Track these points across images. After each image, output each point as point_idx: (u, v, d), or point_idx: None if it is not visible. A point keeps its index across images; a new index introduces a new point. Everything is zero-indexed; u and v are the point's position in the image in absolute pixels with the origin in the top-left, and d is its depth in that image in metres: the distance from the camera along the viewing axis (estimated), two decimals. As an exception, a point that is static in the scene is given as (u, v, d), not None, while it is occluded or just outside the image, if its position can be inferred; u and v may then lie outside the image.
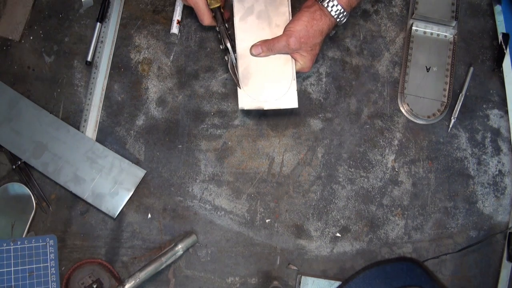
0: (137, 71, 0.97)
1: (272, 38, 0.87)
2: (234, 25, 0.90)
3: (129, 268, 0.89)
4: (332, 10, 0.83)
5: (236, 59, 0.88)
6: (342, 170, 0.95)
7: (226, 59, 0.89)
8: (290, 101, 0.88)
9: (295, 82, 0.88)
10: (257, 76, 0.89)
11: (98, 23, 0.97)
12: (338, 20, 0.85)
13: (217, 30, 0.89)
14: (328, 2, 0.83)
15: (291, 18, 0.88)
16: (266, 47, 0.87)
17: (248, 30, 0.89)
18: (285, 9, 0.90)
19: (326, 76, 0.98)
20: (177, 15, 0.98)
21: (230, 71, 0.89)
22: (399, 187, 0.95)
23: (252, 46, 0.88)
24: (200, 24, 0.98)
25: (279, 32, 0.87)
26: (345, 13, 0.84)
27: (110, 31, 0.97)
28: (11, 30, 0.97)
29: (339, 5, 0.83)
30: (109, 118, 0.95)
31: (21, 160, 0.91)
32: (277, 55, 0.88)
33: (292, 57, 0.88)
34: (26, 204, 0.89)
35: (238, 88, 0.88)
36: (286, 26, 0.86)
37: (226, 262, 0.91)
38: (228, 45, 0.88)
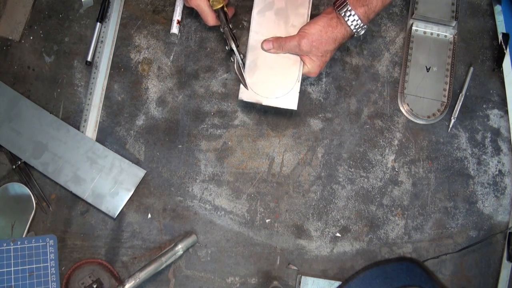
0: (137, 71, 0.97)
1: (285, 37, 0.87)
2: (251, 17, 0.90)
3: (129, 268, 0.89)
4: (348, 19, 0.83)
5: (242, 59, 0.88)
6: (342, 170, 0.95)
7: (232, 60, 0.89)
8: (290, 102, 0.88)
9: (299, 84, 0.88)
10: (263, 70, 0.89)
11: (98, 23, 0.97)
12: (354, 30, 0.84)
13: (222, 31, 0.89)
14: (345, 12, 0.83)
15: (308, 20, 0.88)
16: (277, 44, 0.87)
17: (263, 24, 0.89)
18: (305, 11, 0.90)
19: (326, 76, 0.98)
20: (177, 15, 0.97)
21: (237, 72, 0.88)
22: (399, 187, 0.95)
23: (264, 40, 0.88)
24: (200, 24, 0.99)
25: (294, 32, 0.87)
26: (362, 24, 0.84)
27: (110, 31, 0.97)
28: (11, 30, 0.97)
29: (356, 15, 0.82)
30: (109, 118, 0.95)
31: (21, 160, 0.91)
32: (287, 55, 0.88)
33: (301, 59, 0.88)
34: (26, 204, 0.89)
35: (242, 85, 0.88)
36: (301, 27, 0.86)
37: (226, 262, 0.91)
38: (233, 46, 0.88)
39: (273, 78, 0.88)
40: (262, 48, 0.89)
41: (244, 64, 0.89)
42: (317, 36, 0.84)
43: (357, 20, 0.83)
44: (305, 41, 0.84)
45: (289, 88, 0.88)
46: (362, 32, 0.86)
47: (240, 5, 1.00)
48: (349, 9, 0.82)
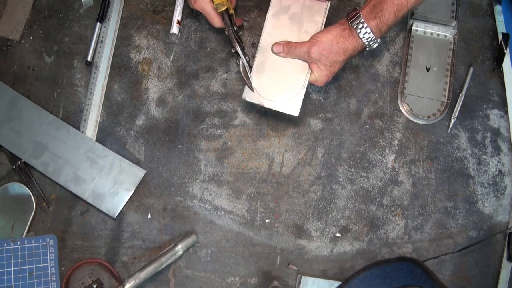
0: (137, 71, 0.97)
1: (296, 42, 0.87)
2: (266, 18, 0.90)
3: (129, 268, 0.89)
4: (360, 32, 0.82)
5: (247, 61, 0.88)
6: (342, 170, 0.95)
7: (238, 62, 0.88)
8: (293, 108, 0.88)
9: (303, 91, 0.88)
10: (270, 73, 0.88)
11: (98, 23, 0.97)
12: (366, 43, 0.83)
13: (226, 34, 0.89)
14: (357, 24, 0.82)
15: (322, 29, 0.88)
16: (287, 48, 0.87)
17: (277, 27, 0.89)
18: (319, 19, 0.89)
19: (326, 76, 0.98)
20: (177, 15, 0.98)
21: (243, 75, 0.88)
22: (399, 187, 0.95)
23: (275, 43, 0.88)
24: (200, 24, 0.99)
25: (306, 38, 0.86)
26: (374, 38, 0.83)
27: (110, 31, 0.97)
28: (11, 30, 0.97)
29: (368, 28, 0.81)
30: (109, 118, 0.95)
31: (21, 160, 0.91)
32: (296, 60, 0.88)
33: (310, 67, 0.88)
34: (26, 204, 0.89)
35: (247, 86, 0.88)
36: (313, 35, 0.86)
37: (226, 262, 0.91)
38: (238, 49, 0.87)
39: (279, 82, 0.88)
40: (272, 51, 0.88)
41: (250, 66, 0.88)
42: (328, 45, 0.83)
43: (369, 33, 0.82)
44: (315, 49, 0.84)
45: (293, 94, 0.88)
46: (375, 45, 0.84)
47: (240, 5, 1.00)
48: (361, 21, 0.81)
